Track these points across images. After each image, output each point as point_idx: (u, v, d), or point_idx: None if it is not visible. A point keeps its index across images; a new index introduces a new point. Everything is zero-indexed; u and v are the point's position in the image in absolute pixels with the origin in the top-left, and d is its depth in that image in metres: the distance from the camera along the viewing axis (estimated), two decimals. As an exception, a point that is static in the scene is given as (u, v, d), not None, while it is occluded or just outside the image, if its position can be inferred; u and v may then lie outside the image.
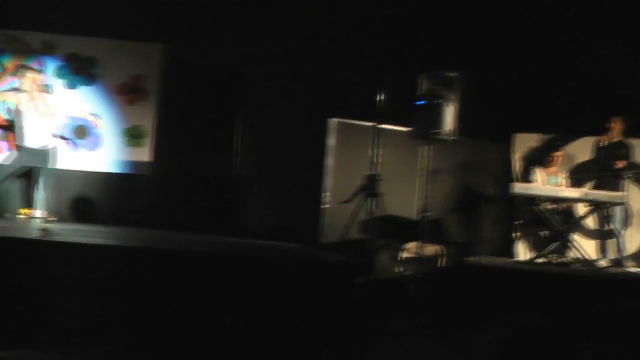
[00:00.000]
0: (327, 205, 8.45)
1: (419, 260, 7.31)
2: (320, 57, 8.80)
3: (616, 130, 8.56)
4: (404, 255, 7.67)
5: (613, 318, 6.37)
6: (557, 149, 8.92)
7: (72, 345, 4.65)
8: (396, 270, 7.51)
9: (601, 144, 8.61)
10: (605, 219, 8.52)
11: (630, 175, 8.29)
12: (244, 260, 5.82)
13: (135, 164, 8.88)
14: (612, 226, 8.48)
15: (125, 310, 5.02)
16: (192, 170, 8.68)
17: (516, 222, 8.69)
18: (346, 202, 7.50)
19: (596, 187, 8.57)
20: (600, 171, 8.61)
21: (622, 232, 8.45)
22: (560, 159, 8.80)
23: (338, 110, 8.61)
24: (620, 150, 8.58)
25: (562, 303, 6.38)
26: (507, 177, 9.19)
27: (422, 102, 7.25)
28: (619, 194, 8.10)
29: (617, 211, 8.37)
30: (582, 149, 9.36)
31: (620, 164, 8.40)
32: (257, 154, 8.93)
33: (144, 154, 8.83)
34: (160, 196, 8.70)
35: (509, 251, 9.01)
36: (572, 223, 8.45)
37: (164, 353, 4.85)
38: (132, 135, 8.79)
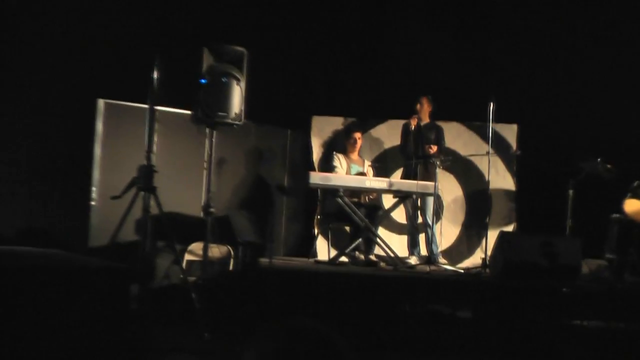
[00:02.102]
0: (95, 202, 8.42)
1: (204, 263, 7.38)
2: (84, 25, 8.73)
3: (425, 112, 9.14)
4: (187, 258, 7.83)
5: (416, 322, 6.91)
6: (356, 130, 9.33)
7: None
8: (178, 276, 7.57)
9: (411, 128, 9.03)
10: (415, 211, 9.13)
11: (440, 161, 8.68)
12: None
13: None
14: (423, 219, 9.11)
15: None
16: None
17: (317, 217, 9.09)
18: (117, 197, 7.32)
19: (405, 176, 9.09)
20: (408, 158, 9.11)
21: (435, 225, 8.98)
22: (359, 142, 9.20)
23: (107, 89, 8.57)
24: (430, 133, 9.14)
25: (361, 307, 6.83)
26: (307, 166, 9.63)
27: (205, 80, 7.23)
28: (430, 183, 8.57)
29: (429, 203, 8.94)
30: (389, 134, 10.00)
31: (432, 150, 8.93)
32: (8, 142, 8.70)
33: None
34: None
35: (309, 250, 9.41)
36: (378, 217, 8.85)
37: None
38: None
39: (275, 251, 9.24)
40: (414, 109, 9.13)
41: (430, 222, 8.93)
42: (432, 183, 8.57)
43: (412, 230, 9.28)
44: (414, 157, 9.00)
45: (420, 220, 9.19)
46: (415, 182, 8.60)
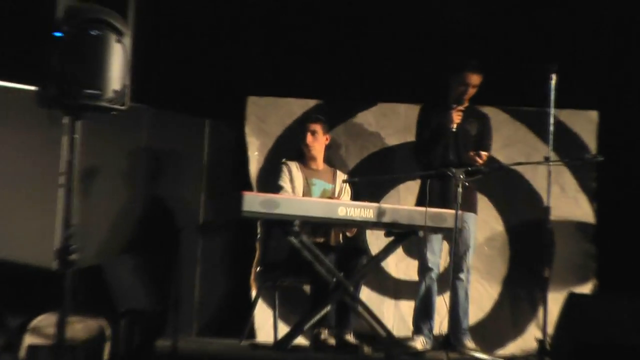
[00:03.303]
0: None
1: (58, 349, 6.96)
2: None
3: (468, 93, 8.75)
4: (29, 341, 7.46)
5: None
6: (316, 120, 9.01)
7: None
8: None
9: (453, 126, 8.73)
10: (435, 257, 8.80)
11: (463, 175, 8.18)
12: None
13: None
14: (451, 270, 8.61)
15: None
16: None
17: (255, 269, 8.82)
18: None
19: (421, 200, 8.68)
20: (425, 167, 8.81)
21: (466, 280, 8.76)
22: (321, 139, 8.91)
23: None
24: (470, 125, 8.84)
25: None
26: (240, 182, 9.56)
27: (61, 34, 6.89)
28: (451, 211, 8.15)
29: (459, 244, 8.40)
30: (380, 126, 9.94)
31: (480, 159, 8.50)
32: None
33: None
34: None
35: (242, 325, 9.10)
36: (360, 268, 8.54)
37: None
38: None
39: (184, 326, 9.29)
40: (458, 84, 8.75)
41: (461, 277, 8.72)
42: (460, 212, 8.10)
43: (424, 292, 8.89)
44: (434, 165, 8.66)
45: (437, 270, 8.86)
46: (422, 209, 8.16)
